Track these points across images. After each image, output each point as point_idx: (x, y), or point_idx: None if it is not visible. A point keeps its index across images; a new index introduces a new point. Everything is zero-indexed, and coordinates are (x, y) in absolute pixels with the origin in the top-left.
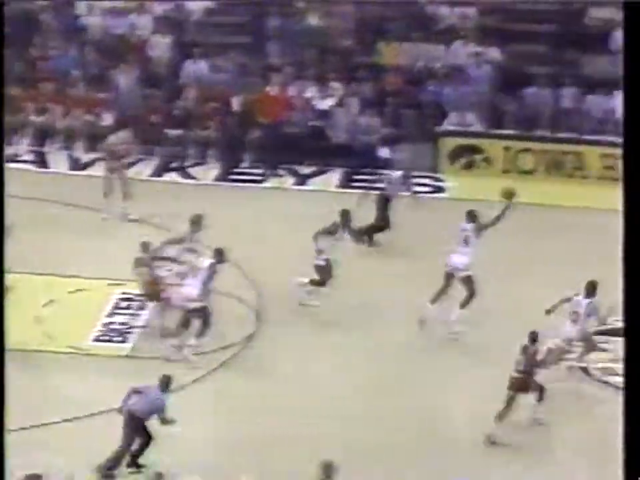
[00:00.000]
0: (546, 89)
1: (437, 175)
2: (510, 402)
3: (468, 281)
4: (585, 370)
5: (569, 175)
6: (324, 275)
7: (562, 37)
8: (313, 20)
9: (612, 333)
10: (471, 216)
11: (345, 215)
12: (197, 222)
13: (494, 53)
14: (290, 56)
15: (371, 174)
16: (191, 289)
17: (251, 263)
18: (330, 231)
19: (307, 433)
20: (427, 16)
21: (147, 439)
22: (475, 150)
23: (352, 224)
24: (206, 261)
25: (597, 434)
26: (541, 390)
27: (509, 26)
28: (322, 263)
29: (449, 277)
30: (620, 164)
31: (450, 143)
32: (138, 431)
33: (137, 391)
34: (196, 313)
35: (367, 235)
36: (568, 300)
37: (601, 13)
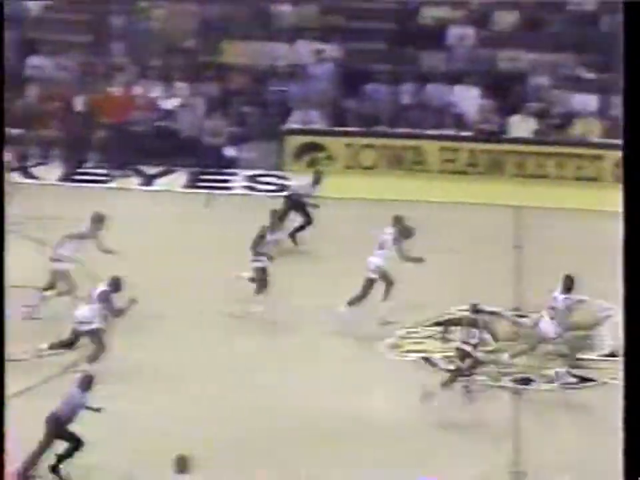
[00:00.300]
0: (386, 86)
1: (282, 174)
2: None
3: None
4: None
5: (410, 169)
6: (261, 279)
7: (399, 35)
8: (157, 19)
9: None
10: (396, 221)
11: (275, 215)
12: (98, 220)
13: (335, 51)
14: (134, 55)
15: (217, 174)
16: (86, 310)
17: (94, 263)
18: (261, 235)
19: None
20: (269, 14)
21: (75, 443)
22: (318, 148)
23: (281, 225)
24: (99, 288)
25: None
26: (474, 365)
27: (348, 24)
28: (259, 265)
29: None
30: (461, 156)
31: (294, 141)
32: (60, 434)
33: None
34: (88, 335)
35: (292, 235)
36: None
37: (434, 12)
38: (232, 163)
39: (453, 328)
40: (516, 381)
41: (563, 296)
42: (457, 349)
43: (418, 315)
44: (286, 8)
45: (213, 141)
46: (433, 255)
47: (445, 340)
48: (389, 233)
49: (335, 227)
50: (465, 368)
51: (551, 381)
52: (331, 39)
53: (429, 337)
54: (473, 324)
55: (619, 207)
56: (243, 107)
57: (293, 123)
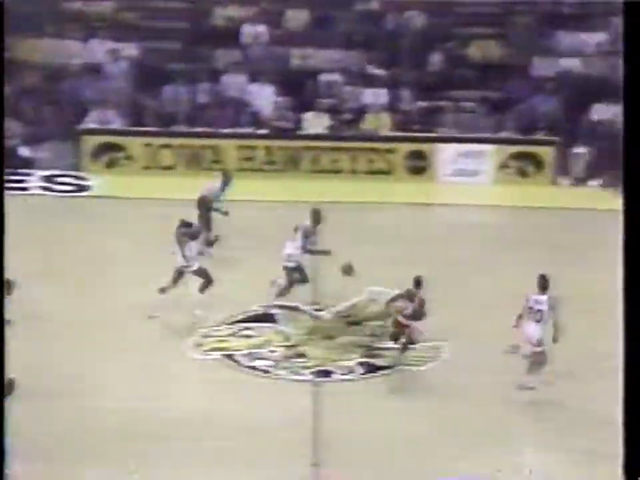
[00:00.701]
0: (182, 85)
1: (80, 174)
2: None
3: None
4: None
5: (208, 169)
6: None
7: (194, 34)
8: None
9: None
10: (314, 215)
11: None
12: None
13: (131, 50)
14: None
15: (12, 174)
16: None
17: None
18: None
19: None
20: (62, 11)
21: None
22: (116, 147)
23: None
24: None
25: None
26: (411, 341)
27: (144, 23)
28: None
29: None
30: (258, 154)
31: (92, 141)
32: None
33: None
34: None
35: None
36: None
37: (228, 11)
38: (27, 164)
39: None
40: (314, 373)
41: (544, 297)
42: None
43: (225, 313)
44: (79, 4)
45: (7, 141)
46: (240, 253)
47: (247, 337)
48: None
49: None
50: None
51: (351, 372)
52: (126, 37)
53: (232, 334)
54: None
55: (412, 198)
56: (36, 105)
57: (89, 123)
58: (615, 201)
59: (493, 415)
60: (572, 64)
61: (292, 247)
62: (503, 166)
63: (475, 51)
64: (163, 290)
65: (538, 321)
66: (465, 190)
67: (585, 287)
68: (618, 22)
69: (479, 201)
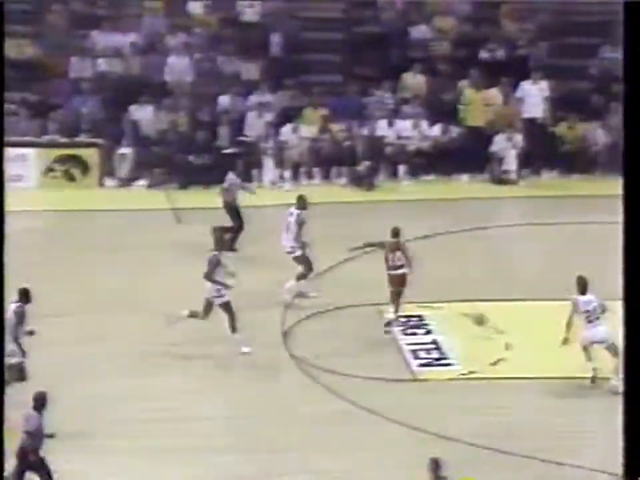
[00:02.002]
0: None
1: None
2: (396, 298)
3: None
4: None
5: None
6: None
7: None
8: None
9: None
10: (300, 201)
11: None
12: None
13: None
14: None
15: None
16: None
17: None
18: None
19: None
20: None
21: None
22: None
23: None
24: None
25: None
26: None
27: None
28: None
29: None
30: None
31: None
32: (29, 464)
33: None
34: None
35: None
36: None
37: None
38: None
39: None
40: None
41: (587, 297)
42: None
43: None
44: None
45: None
46: None
47: None
48: (292, 214)
49: None
50: None
51: None
52: None
53: None
54: None
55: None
56: None
57: None
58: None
59: None
60: (109, 64)
61: (289, 238)
62: (49, 170)
63: (11, 50)
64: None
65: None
66: (10, 195)
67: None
68: (151, 21)
69: (25, 207)
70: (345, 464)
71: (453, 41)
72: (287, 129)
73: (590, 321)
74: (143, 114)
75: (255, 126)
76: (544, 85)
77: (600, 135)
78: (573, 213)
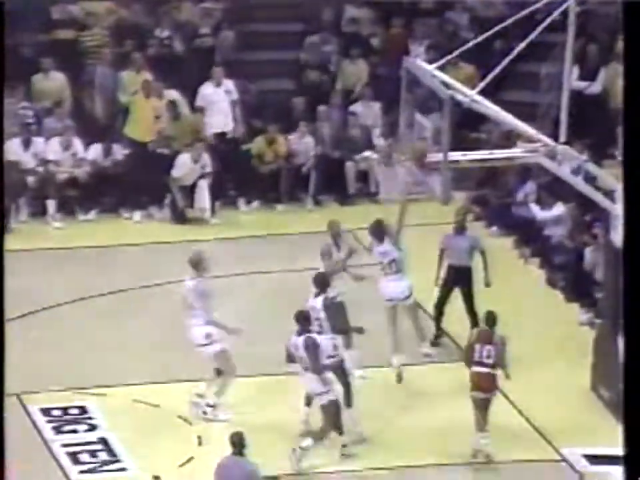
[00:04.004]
0: None
1: None
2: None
3: None
4: None
5: None
6: None
7: None
8: None
9: None
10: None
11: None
12: None
13: None
14: None
15: None
16: None
17: None
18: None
19: None
20: None
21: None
22: None
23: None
24: None
25: None
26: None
27: None
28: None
29: None
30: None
31: None
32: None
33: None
34: None
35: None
36: None
37: None
38: None
39: None
40: None
41: (383, 248)
42: None
43: None
44: None
45: None
46: None
47: None
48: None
49: None
50: None
51: None
52: None
53: None
54: None
55: None
56: None
57: None
58: None
59: None
60: None
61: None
62: None
63: None
64: None
65: None
66: None
67: None
68: None
69: None
70: None
71: (110, 28)
72: None
73: (387, 274)
74: None
75: None
76: (230, 86)
77: (311, 147)
78: (279, 257)
